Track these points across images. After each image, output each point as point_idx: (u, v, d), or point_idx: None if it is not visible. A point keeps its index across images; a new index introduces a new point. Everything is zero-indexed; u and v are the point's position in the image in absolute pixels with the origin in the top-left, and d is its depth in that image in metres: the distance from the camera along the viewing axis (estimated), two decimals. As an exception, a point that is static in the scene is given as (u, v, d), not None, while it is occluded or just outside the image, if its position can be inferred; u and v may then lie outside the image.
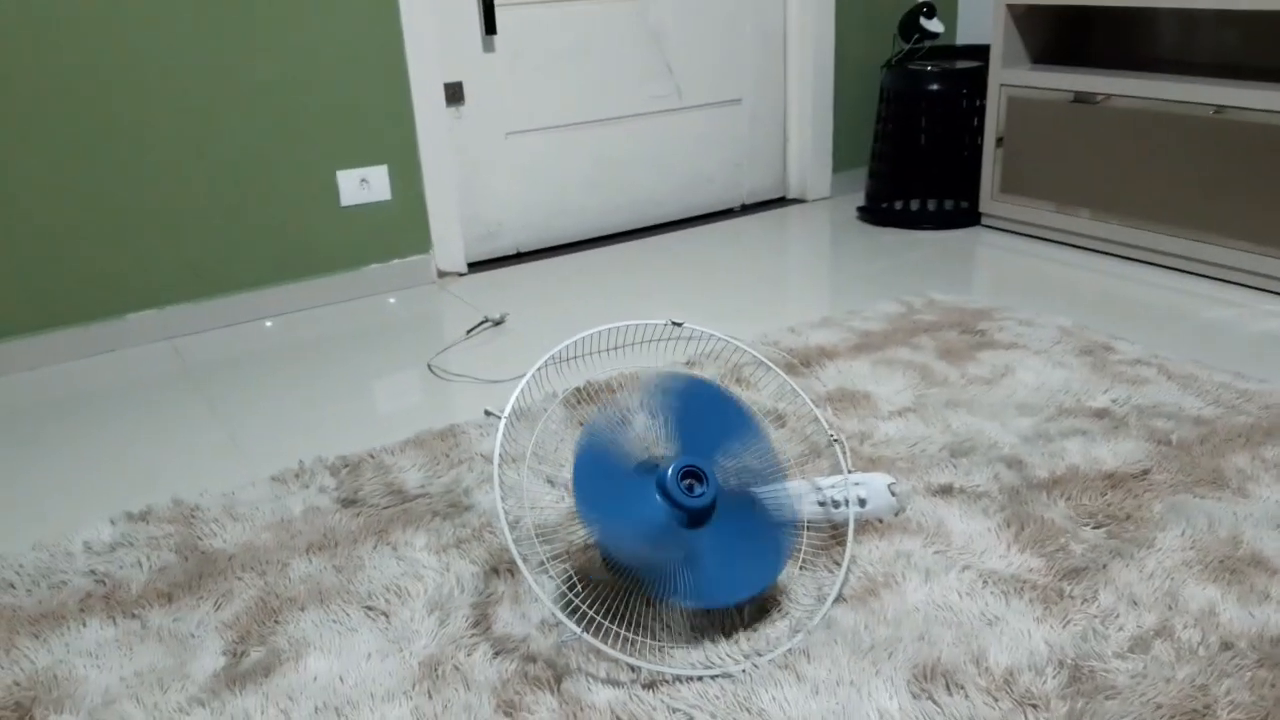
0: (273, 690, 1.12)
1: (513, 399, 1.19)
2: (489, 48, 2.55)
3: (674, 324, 1.32)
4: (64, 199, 2.10)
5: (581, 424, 1.69)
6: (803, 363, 1.90)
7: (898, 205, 2.90)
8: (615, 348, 2.01)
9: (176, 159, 2.20)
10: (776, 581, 1.24)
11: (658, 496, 1.17)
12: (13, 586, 1.34)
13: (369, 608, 1.25)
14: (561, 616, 1.13)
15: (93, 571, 1.36)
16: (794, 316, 2.20)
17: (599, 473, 1.17)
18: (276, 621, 1.24)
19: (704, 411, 1.28)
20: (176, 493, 1.58)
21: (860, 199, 3.16)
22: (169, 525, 1.46)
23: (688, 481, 1.19)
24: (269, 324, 2.36)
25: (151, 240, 2.22)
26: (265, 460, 1.68)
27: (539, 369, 1.22)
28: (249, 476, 1.62)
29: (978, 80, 2.76)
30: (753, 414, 1.30)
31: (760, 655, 1.13)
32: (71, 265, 2.15)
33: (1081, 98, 2.46)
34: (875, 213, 2.92)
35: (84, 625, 1.25)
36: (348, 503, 1.50)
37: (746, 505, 1.23)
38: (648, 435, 1.43)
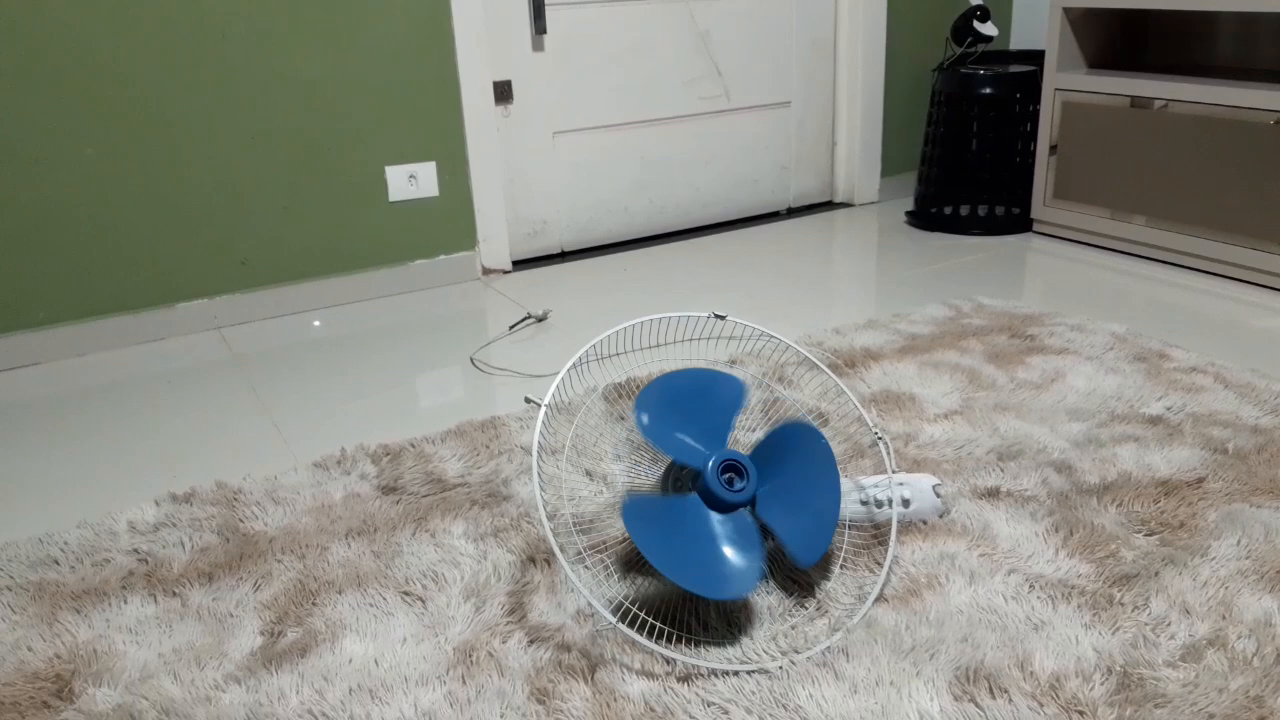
0: (308, 670, 1.12)
1: (553, 386, 1.18)
2: (538, 47, 2.55)
3: (717, 316, 1.31)
4: (118, 190, 2.14)
5: (622, 419, 1.68)
6: (847, 364, 1.88)
7: (947, 210, 2.86)
8: (657, 345, 2.00)
9: (228, 152, 2.23)
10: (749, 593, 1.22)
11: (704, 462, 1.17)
12: (57, 563, 1.36)
13: (406, 593, 1.25)
14: (598, 606, 1.12)
15: (136, 550, 1.38)
16: (838, 318, 2.18)
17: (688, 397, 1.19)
18: (314, 604, 1.24)
19: (793, 453, 1.26)
20: (220, 476, 1.59)
21: (910, 204, 3.12)
22: (212, 507, 1.48)
23: (727, 475, 1.17)
24: (315, 316, 2.38)
25: (202, 231, 2.26)
26: (308, 447, 1.69)
27: (582, 357, 1.22)
28: (291, 462, 1.63)
29: (1031, 84, 2.72)
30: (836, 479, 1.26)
31: (798, 653, 1.11)
32: (123, 254, 2.19)
33: (1138, 103, 2.41)
34: (924, 217, 2.89)
35: (125, 602, 1.26)
36: (388, 490, 1.51)
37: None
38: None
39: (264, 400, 1.91)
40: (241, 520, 1.44)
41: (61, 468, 1.68)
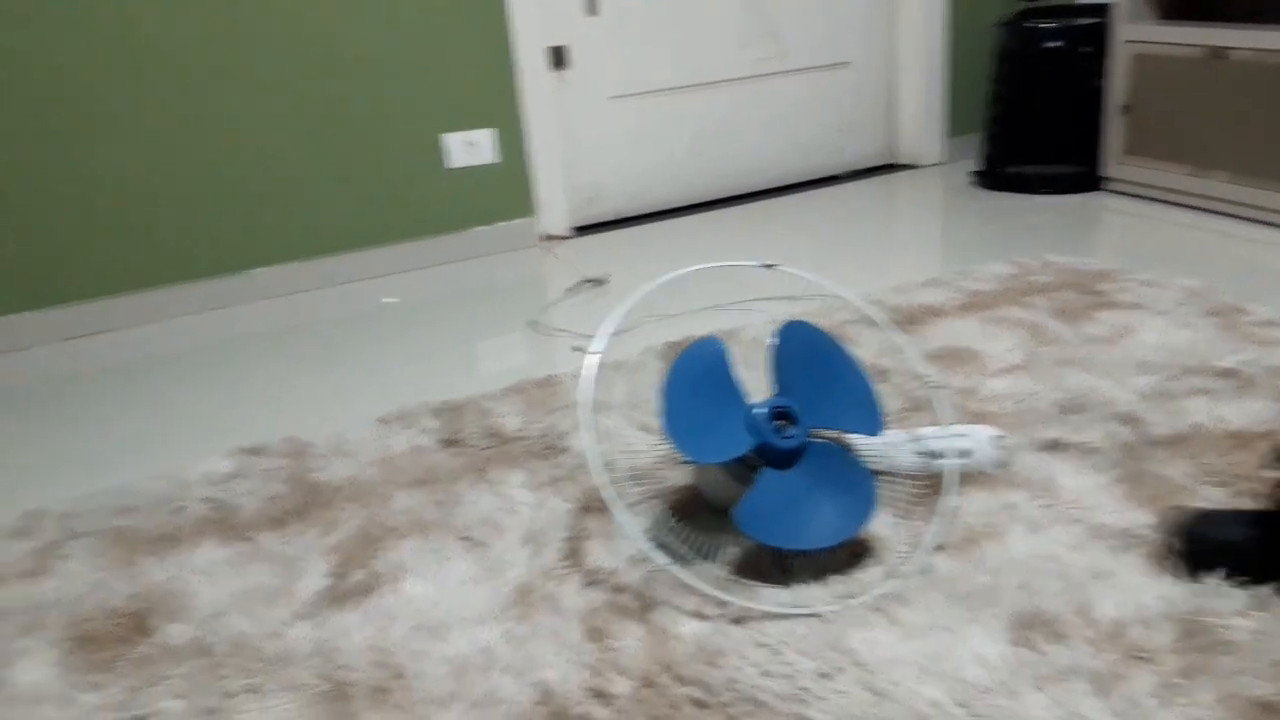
0: (371, 610, 1.15)
1: (602, 332, 1.19)
2: (593, 11, 2.55)
3: (766, 266, 1.31)
4: (188, 163, 2.21)
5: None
6: (908, 321, 1.85)
7: (1013, 169, 2.79)
8: (714, 306, 2.00)
9: (292, 124, 2.28)
10: (864, 530, 1.21)
11: (745, 429, 1.16)
12: (135, 511, 1.42)
13: (465, 538, 1.28)
14: (650, 550, 1.14)
15: (209, 499, 1.43)
16: (900, 278, 2.15)
17: (693, 383, 1.17)
18: (378, 549, 1.27)
19: (807, 356, 1.26)
20: (290, 432, 1.64)
21: (976, 164, 3.06)
22: (281, 459, 1.52)
23: (778, 422, 1.17)
24: (379, 282, 2.43)
25: (271, 202, 2.31)
26: (373, 405, 1.72)
27: (631, 305, 1.23)
28: (357, 418, 1.67)
29: (1099, 36, 2.63)
30: (856, 359, 1.28)
31: (853, 598, 1.11)
32: (196, 224, 2.25)
33: (1216, 53, 2.32)
34: (990, 177, 2.82)
35: (198, 546, 1.31)
36: (449, 443, 1.54)
37: (838, 452, 1.21)
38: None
39: (331, 362, 1.95)
40: (309, 471, 1.48)
41: (141, 426, 1.74)
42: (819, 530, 1.14)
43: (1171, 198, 2.53)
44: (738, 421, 1.17)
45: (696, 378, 1.19)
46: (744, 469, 1.19)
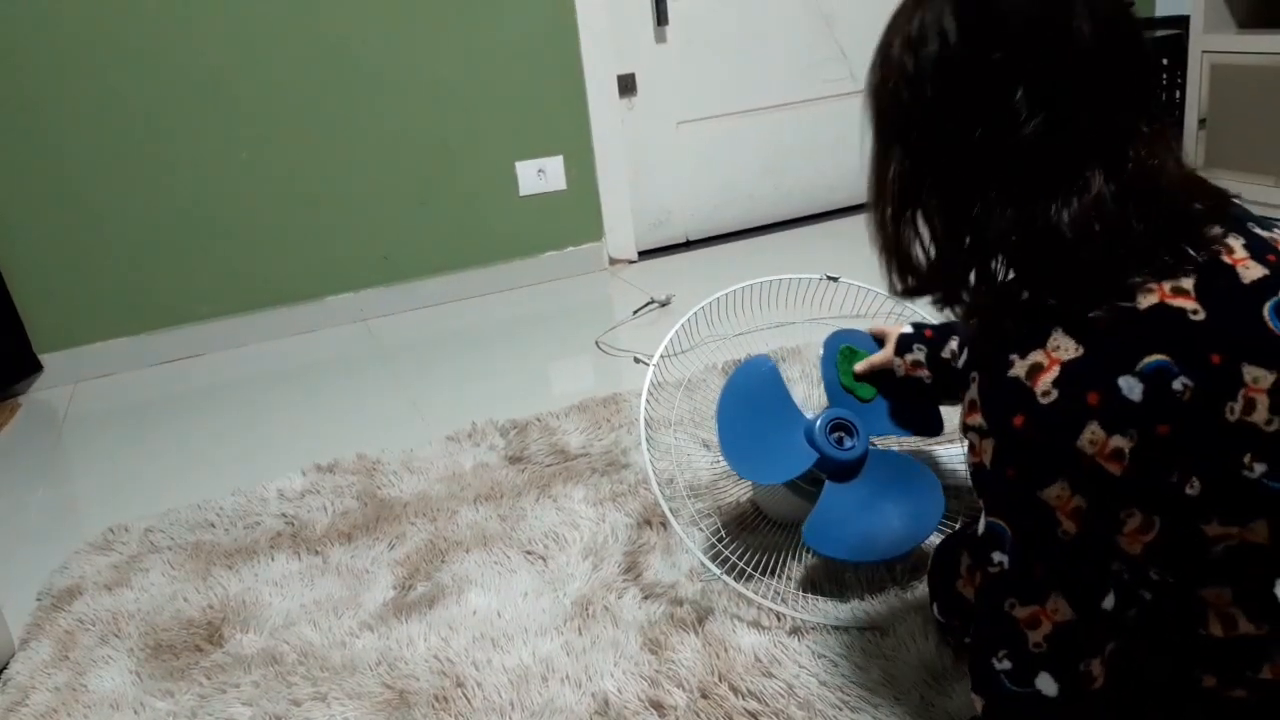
0: (435, 620, 1.18)
1: (662, 346, 1.20)
2: (660, 38, 2.59)
3: (829, 278, 1.30)
4: (270, 192, 2.29)
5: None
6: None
7: (1088, 186, 2.73)
8: (780, 325, 1.99)
9: (368, 154, 2.35)
10: (932, 538, 1.20)
11: (805, 445, 1.16)
12: (213, 526, 1.47)
13: (528, 552, 1.30)
14: (709, 564, 1.14)
15: (283, 514, 1.47)
16: (969, 295, 2.12)
17: (746, 405, 1.17)
18: (443, 561, 1.30)
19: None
20: (361, 449, 1.68)
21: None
22: (352, 476, 1.56)
23: (837, 435, 1.17)
24: (451, 307, 2.48)
25: (348, 230, 2.39)
26: (442, 423, 1.76)
27: (691, 319, 1.24)
28: (426, 436, 1.70)
29: (1175, 49, 2.58)
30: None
31: (912, 612, 1.09)
32: (276, 253, 2.34)
33: (1300, 60, 2.25)
34: (1063, 194, 2.77)
35: (272, 559, 1.35)
36: (514, 460, 1.56)
37: (902, 460, 1.20)
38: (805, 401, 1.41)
39: (403, 384, 2.00)
40: (379, 487, 1.52)
41: (221, 445, 1.81)
42: (888, 541, 1.12)
43: (1254, 210, 2.44)
44: (796, 438, 1.17)
45: (749, 399, 1.19)
46: (803, 483, 1.18)
